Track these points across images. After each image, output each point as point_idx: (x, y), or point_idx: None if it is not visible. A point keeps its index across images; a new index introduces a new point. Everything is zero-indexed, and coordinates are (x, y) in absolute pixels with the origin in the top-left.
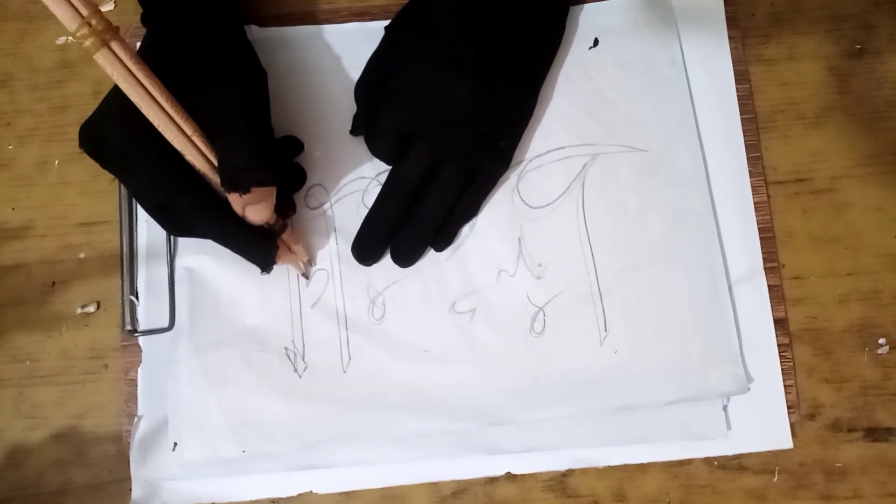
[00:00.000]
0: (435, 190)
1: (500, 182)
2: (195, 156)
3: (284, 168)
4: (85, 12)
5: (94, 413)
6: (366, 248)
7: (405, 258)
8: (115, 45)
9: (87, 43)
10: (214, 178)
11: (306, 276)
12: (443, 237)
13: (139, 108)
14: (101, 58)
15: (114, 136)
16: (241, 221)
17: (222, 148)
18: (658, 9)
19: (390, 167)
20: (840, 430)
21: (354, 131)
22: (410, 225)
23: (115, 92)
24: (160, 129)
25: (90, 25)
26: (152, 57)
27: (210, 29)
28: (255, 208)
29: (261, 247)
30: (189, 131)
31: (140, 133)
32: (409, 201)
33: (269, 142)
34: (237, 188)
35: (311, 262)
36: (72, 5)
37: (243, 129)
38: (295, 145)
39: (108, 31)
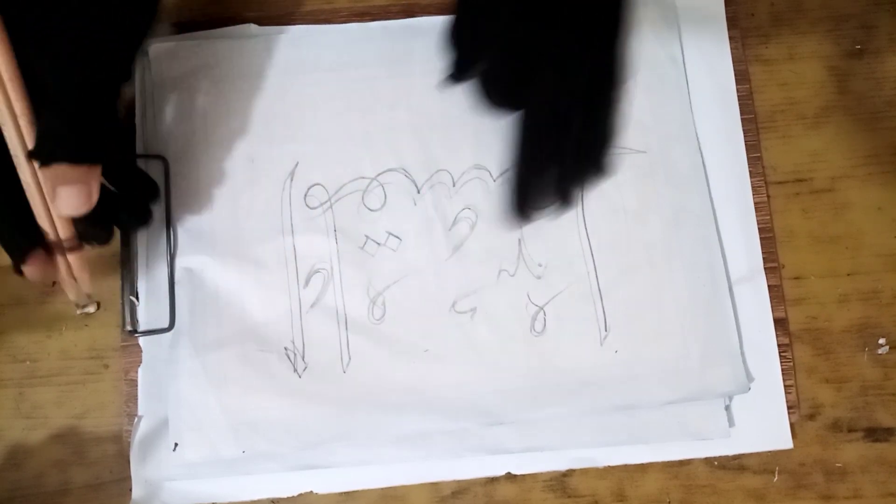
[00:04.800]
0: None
1: (500, 182)
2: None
3: (124, 168)
4: None
5: (94, 413)
6: (526, 203)
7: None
8: None
9: None
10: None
11: (79, 306)
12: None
13: None
14: None
15: None
16: (14, 197)
17: (47, 109)
18: (658, 8)
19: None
20: (840, 430)
21: (455, 77)
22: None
23: None
24: None
25: None
26: None
27: None
28: (68, 192)
29: (17, 238)
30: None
31: None
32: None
33: (107, 116)
34: (41, 156)
35: (89, 298)
36: None
37: (73, 91)
38: (150, 184)
39: None
